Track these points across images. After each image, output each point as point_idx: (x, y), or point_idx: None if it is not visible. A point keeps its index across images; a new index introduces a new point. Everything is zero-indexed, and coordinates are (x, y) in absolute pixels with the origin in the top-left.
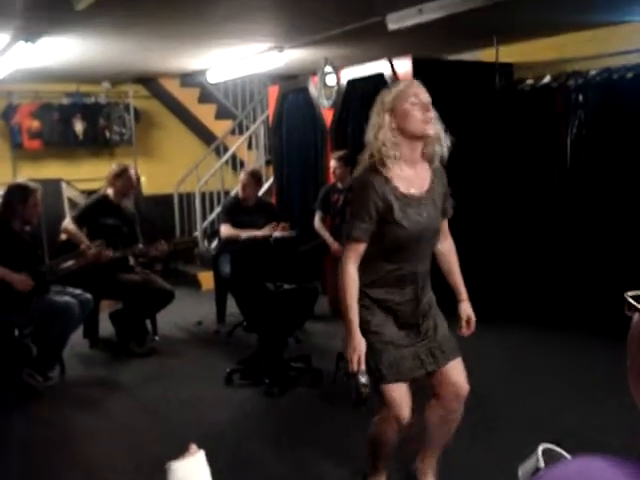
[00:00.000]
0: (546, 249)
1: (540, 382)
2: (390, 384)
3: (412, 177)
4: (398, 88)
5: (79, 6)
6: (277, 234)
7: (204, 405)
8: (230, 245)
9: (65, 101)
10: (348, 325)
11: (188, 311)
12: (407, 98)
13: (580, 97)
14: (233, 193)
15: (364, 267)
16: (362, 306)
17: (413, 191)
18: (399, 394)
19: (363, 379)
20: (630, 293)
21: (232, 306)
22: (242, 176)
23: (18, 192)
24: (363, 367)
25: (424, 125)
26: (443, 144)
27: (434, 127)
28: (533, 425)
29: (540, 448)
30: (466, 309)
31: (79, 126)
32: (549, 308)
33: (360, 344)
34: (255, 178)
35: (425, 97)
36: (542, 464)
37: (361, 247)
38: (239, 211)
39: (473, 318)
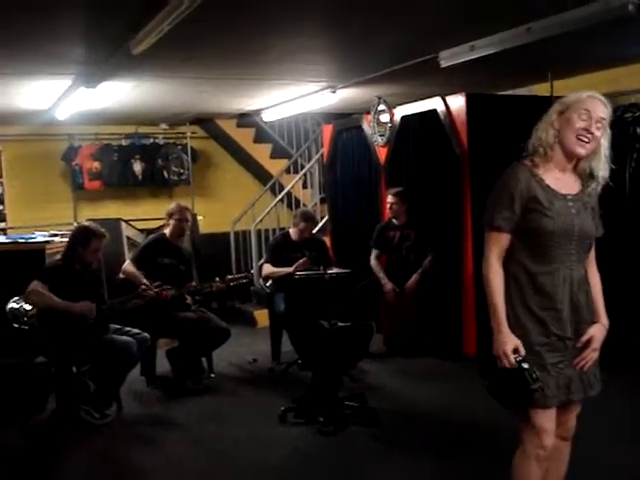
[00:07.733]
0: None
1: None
2: (539, 409)
3: (560, 178)
4: (580, 95)
5: (136, 51)
6: (332, 271)
7: (259, 443)
8: (285, 283)
9: (124, 142)
10: (496, 320)
11: (243, 349)
12: (579, 109)
13: (638, 130)
14: (282, 231)
15: (513, 271)
16: (513, 317)
17: (562, 190)
18: (548, 422)
19: (526, 364)
20: None
21: (287, 344)
22: (298, 221)
23: (81, 234)
24: (522, 353)
25: (577, 144)
26: (602, 165)
27: (592, 147)
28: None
29: None
30: (594, 330)
31: (138, 167)
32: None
33: (512, 337)
34: (314, 222)
35: (598, 114)
36: None
37: (504, 239)
38: (287, 247)
39: (595, 345)
